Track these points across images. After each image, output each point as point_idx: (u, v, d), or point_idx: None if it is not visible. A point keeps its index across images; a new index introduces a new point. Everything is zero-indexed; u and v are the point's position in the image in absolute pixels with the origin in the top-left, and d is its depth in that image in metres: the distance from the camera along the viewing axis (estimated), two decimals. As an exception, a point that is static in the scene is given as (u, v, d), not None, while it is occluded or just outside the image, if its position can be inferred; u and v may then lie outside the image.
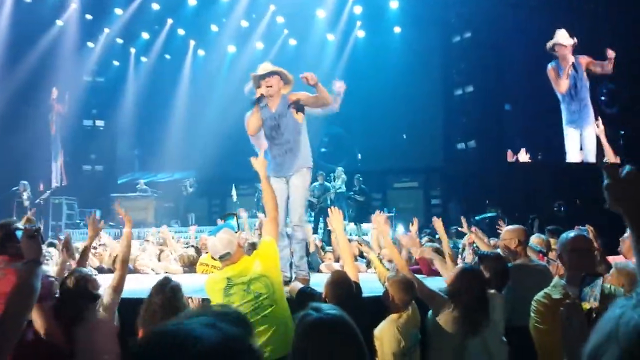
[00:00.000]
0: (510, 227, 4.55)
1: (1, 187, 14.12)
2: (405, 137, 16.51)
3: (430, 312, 3.50)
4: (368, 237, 10.72)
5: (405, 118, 16.37)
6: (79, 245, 6.37)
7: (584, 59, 14.11)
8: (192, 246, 7.46)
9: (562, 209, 11.40)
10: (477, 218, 12.49)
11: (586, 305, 1.92)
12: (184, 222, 15.17)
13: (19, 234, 2.44)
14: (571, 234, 3.15)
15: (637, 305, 0.78)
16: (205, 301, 3.74)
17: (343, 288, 3.41)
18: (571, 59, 14.03)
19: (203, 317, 1.03)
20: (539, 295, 3.01)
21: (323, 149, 16.97)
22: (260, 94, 5.03)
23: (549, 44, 14.15)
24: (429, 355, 3.45)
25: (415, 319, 3.50)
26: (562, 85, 14.19)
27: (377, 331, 3.40)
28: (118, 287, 3.70)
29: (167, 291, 3.30)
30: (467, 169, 14.97)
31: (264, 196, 3.82)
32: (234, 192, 15.03)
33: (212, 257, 6.08)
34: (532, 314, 2.97)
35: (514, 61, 15.06)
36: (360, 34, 17.78)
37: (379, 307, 3.60)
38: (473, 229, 6.04)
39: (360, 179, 13.37)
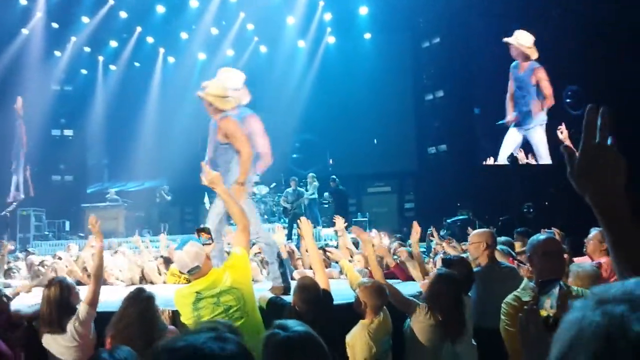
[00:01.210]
0: (477, 230, 4.60)
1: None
2: (376, 142, 16.63)
3: (407, 319, 3.52)
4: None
5: (377, 123, 16.49)
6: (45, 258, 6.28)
7: (539, 71, 14.45)
8: (162, 257, 7.35)
9: (531, 210, 11.59)
10: (448, 221, 12.62)
11: (543, 312, 1.94)
12: (156, 232, 14.97)
13: None
14: (541, 236, 3.18)
15: (596, 306, 0.72)
16: (176, 313, 3.68)
17: (310, 292, 3.40)
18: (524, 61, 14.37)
19: (205, 332, 1.06)
20: (509, 298, 3.04)
21: (295, 155, 16.98)
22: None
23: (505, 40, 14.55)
24: None
25: (387, 324, 3.50)
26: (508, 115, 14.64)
27: (349, 338, 3.41)
28: (93, 302, 3.63)
29: (142, 302, 3.20)
30: (439, 172, 15.15)
31: (228, 208, 3.75)
32: (206, 200, 14.89)
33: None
34: (502, 317, 3.00)
35: (483, 65, 15.30)
36: (331, 40, 17.88)
37: (350, 314, 3.60)
38: (447, 240, 6.13)
39: (337, 180, 13.28)
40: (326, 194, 13.57)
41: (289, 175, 13.93)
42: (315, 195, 13.83)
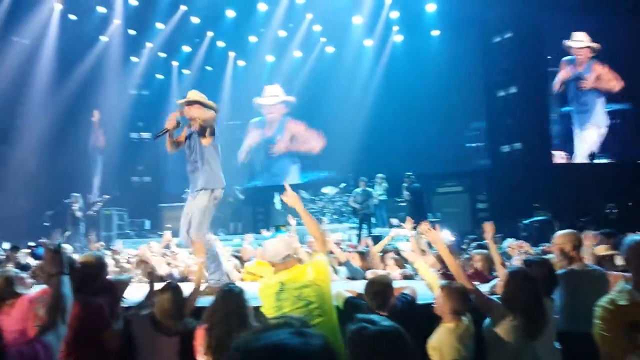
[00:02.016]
0: (563, 231, 4.44)
1: (54, 200, 14.60)
2: (446, 141, 16.32)
3: (486, 321, 3.45)
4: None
5: (447, 121, 16.21)
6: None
7: (599, 68, 14.30)
8: (235, 256, 7.56)
9: (614, 211, 11.05)
10: (525, 222, 12.24)
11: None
12: (229, 231, 15.38)
13: (41, 250, 2.56)
14: (638, 237, 3.04)
15: None
16: (257, 310, 3.77)
17: (385, 293, 3.47)
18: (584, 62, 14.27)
19: (283, 328, 1.06)
20: (603, 301, 2.87)
21: (363, 155, 16.95)
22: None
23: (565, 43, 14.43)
24: None
25: (471, 329, 3.42)
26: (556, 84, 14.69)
27: (434, 341, 3.35)
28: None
29: (235, 297, 3.34)
30: (514, 171, 14.68)
31: (307, 227, 3.82)
32: (277, 200, 15.18)
33: (260, 264, 6.17)
34: (596, 321, 2.87)
35: (557, 60, 14.83)
36: (398, 38, 17.73)
37: (427, 316, 3.57)
38: (518, 244, 5.98)
39: (412, 176, 13.03)
40: (406, 193, 13.32)
41: (358, 175, 13.92)
42: (385, 197, 13.74)
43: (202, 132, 5.30)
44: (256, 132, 18.55)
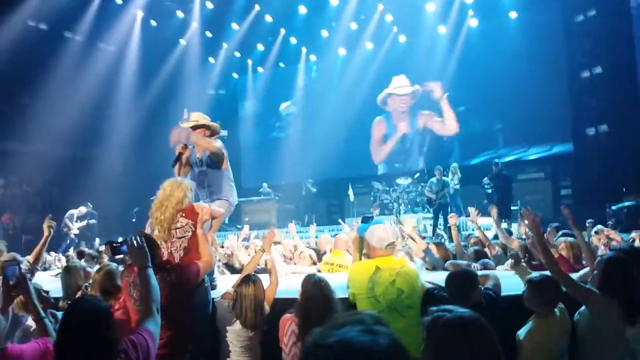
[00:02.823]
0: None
1: (140, 198, 15.40)
2: (526, 126, 15.66)
3: (580, 311, 3.28)
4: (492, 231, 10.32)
5: (528, 106, 15.57)
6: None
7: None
8: (311, 247, 7.61)
9: None
10: (613, 208, 11.55)
11: None
12: (303, 223, 15.61)
13: (124, 248, 2.69)
14: None
15: None
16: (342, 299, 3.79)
17: (463, 278, 3.35)
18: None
19: (354, 325, 1.07)
20: None
21: (439, 144, 16.65)
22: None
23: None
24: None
25: (565, 322, 3.24)
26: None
27: (524, 336, 3.21)
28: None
29: (319, 287, 3.46)
30: (600, 155, 13.86)
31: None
32: (350, 192, 15.22)
33: (337, 253, 6.22)
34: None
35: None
36: (473, 23, 17.15)
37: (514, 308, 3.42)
38: (605, 232, 5.65)
39: (500, 163, 12.54)
40: (486, 179, 12.82)
41: (432, 165, 13.67)
42: (458, 186, 13.41)
43: (216, 162, 5.31)
44: (383, 127, 18.26)
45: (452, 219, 6.61)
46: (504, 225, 8.50)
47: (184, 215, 4.03)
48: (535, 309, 3.25)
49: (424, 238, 7.95)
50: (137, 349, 2.18)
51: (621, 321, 3.03)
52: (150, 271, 2.54)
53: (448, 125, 16.57)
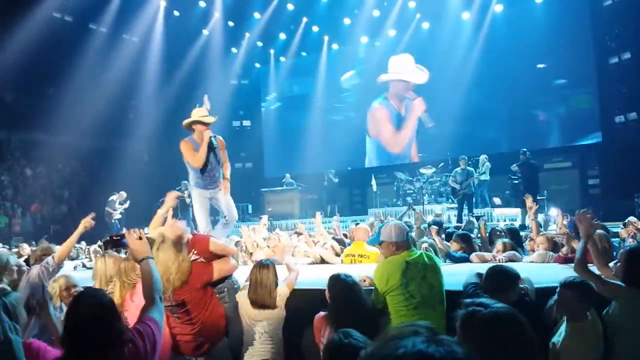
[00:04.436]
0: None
1: (165, 188, 15.55)
2: (552, 114, 15.35)
3: (611, 307, 3.17)
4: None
5: (554, 93, 15.26)
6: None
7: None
8: (335, 238, 7.56)
9: None
10: (642, 198, 11.29)
11: None
12: (326, 213, 15.61)
13: (124, 241, 2.73)
14: None
15: None
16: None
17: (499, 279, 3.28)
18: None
19: (414, 336, 0.99)
20: None
21: (463, 133, 16.43)
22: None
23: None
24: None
25: (599, 327, 3.12)
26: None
27: (561, 343, 3.08)
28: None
29: (345, 283, 3.46)
30: (629, 143, 13.52)
31: None
32: (373, 182, 15.16)
33: (357, 244, 6.18)
34: None
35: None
36: (498, 8, 16.81)
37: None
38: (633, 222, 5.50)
39: (527, 152, 12.29)
40: (514, 166, 12.52)
41: (457, 154, 13.48)
42: (487, 177, 13.21)
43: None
44: (384, 111, 18.12)
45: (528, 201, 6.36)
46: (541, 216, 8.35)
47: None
48: (569, 314, 3.10)
49: (447, 229, 7.90)
50: (144, 338, 2.23)
51: None
52: (151, 261, 2.59)
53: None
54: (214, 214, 6.47)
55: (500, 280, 3.21)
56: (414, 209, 10.46)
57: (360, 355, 1.03)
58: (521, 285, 3.44)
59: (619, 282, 3.15)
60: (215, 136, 6.19)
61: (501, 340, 1.61)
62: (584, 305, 3.05)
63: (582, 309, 3.06)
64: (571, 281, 3.11)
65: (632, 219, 6.76)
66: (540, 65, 15.40)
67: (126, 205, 14.27)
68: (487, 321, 1.63)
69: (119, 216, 13.98)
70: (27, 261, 4.86)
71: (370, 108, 18.23)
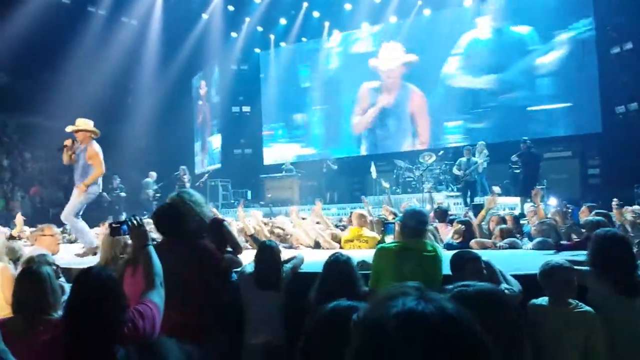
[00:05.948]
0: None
1: (163, 173, 15.53)
2: (552, 103, 15.31)
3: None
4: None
5: (554, 82, 15.21)
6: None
7: None
8: (337, 225, 7.54)
9: None
10: (642, 188, 11.32)
11: None
12: (325, 201, 15.59)
13: (125, 228, 2.78)
14: None
15: None
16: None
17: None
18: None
19: (404, 297, 0.98)
20: None
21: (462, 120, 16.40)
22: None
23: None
24: None
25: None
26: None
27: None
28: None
29: (342, 264, 3.51)
30: (629, 134, 13.52)
31: None
32: (373, 169, 15.12)
33: (354, 230, 6.19)
34: None
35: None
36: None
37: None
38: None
39: (528, 141, 12.23)
40: (514, 156, 12.46)
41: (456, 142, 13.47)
42: (485, 165, 13.21)
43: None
44: (368, 98, 18.06)
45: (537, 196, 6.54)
46: (529, 205, 8.33)
47: None
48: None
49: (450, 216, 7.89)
50: (144, 318, 2.27)
51: (615, 295, 3.01)
52: (151, 248, 2.63)
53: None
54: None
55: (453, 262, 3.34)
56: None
57: (352, 318, 1.03)
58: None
59: (583, 268, 3.22)
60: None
61: (484, 317, 1.61)
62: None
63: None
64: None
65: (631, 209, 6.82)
66: (539, 53, 15.29)
67: (157, 187, 15.00)
68: (471, 299, 1.68)
69: (159, 194, 14.59)
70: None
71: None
